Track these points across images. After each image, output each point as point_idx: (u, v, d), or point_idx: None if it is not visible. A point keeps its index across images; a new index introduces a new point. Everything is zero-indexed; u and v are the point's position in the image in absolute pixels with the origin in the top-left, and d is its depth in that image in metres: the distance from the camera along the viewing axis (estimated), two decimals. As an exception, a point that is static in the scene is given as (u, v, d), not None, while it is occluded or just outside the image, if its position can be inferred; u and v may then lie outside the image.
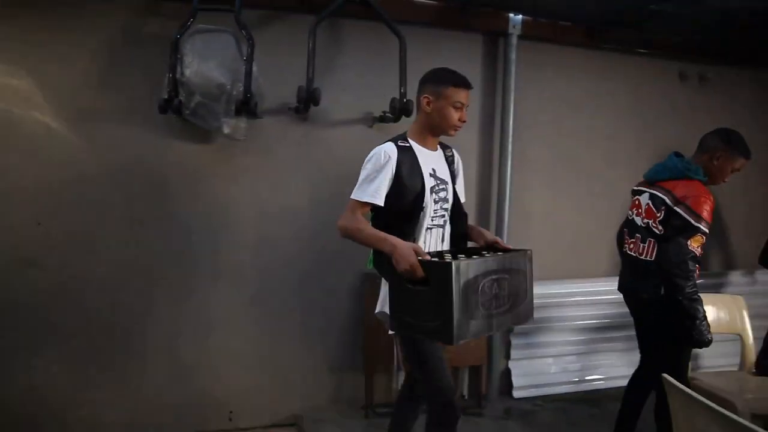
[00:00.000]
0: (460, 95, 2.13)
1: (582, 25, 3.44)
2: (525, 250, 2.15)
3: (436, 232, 2.22)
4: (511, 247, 2.21)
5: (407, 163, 2.11)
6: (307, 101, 2.83)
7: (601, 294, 3.69)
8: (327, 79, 3.05)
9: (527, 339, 3.64)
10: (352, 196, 2.10)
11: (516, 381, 3.60)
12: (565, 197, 3.73)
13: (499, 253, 2.10)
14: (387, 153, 2.09)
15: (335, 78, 3.13)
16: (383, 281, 2.24)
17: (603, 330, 3.77)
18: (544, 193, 3.69)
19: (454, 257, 1.95)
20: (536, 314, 3.52)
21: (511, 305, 2.03)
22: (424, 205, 2.12)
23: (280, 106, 3.03)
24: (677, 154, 2.66)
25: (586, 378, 3.75)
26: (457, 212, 2.31)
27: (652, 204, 2.60)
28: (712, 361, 3.64)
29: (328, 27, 3.07)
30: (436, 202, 2.19)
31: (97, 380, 2.91)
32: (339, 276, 3.27)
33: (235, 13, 2.71)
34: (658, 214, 2.56)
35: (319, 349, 3.30)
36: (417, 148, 2.18)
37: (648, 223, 2.62)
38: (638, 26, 3.41)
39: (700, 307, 2.43)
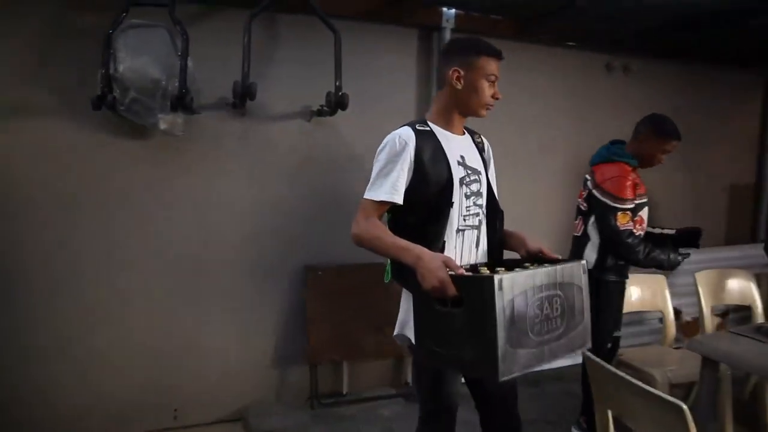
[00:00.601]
0: (493, 66, 1.83)
1: (512, 18, 3.54)
2: (579, 261, 1.74)
3: (470, 236, 1.85)
4: (559, 256, 1.79)
5: (429, 149, 1.76)
6: (243, 96, 2.83)
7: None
8: (264, 73, 3.05)
9: (468, 324, 3.75)
10: (365, 196, 1.75)
11: (458, 365, 3.71)
12: (500, 185, 3.84)
13: (547, 265, 1.65)
14: (402, 139, 1.74)
15: (272, 72, 3.14)
16: (404, 296, 1.88)
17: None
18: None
19: (493, 271, 1.56)
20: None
21: (565, 329, 1.64)
22: (452, 199, 1.76)
23: (217, 101, 3.03)
24: (613, 142, 2.85)
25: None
26: (492, 210, 1.93)
27: (583, 185, 2.86)
28: (639, 339, 3.86)
29: (264, 21, 3.06)
30: (467, 196, 1.83)
31: (39, 381, 2.84)
32: (281, 269, 3.29)
33: (168, 7, 2.68)
34: (584, 193, 2.84)
35: (262, 343, 3.31)
36: (440, 131, 1.83)
37: (579, 202, 2.87)
38: (564, 19, 3.54)
39: (657, 256, 2.68)
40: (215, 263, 3.14)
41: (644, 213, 2.76)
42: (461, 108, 1.86)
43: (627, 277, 2.86)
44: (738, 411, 3.05)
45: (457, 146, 1.85)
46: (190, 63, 2.67)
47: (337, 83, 2.93)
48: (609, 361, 2.78)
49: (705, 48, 4.16)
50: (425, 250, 1.58)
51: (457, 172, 1.79)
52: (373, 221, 1.71)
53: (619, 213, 2.61)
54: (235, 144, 3.14)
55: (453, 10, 3.36)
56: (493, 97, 1.85)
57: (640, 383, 1.65)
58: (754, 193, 4.92)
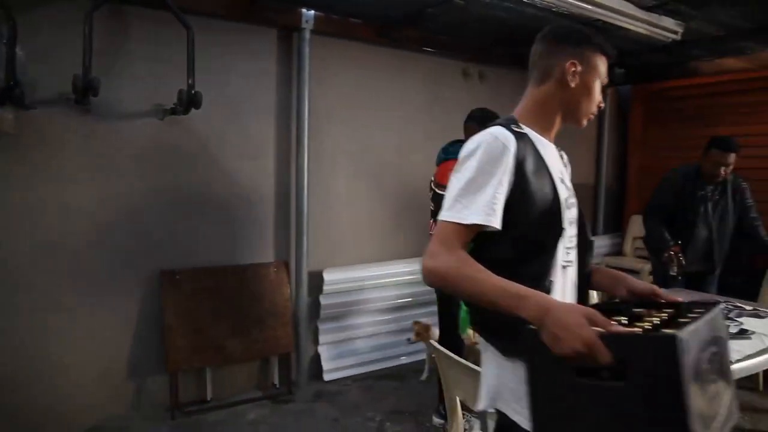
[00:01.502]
0: (605, 68, 1.46)
1: (371, 23, 3.64)
2: (716, 302, 1.28)
3: (571, 274, 1.44)
4: (679, 299, 1.35)
5: (531, 158, 1.34)
6: (85, 91, 2.65)
7: (402, 275, 3.99)
8: (111, 68, 2.90)
9: (335, 323, 3.80)
10: (445, 218, 1.28)
11: (325, 365, 3.74)
12: (364, 185, 3.95)
13: (697, 311, 1.23)
14: (500, 141, 1.31)
15: (121, 68, 2.98)
16: (490, 356, 1.40)
17: (406, 308, 4.06)
18: (344, 181, 3.86)
19: (631, 321, 1.21)
20: (342, 298, 3.79)
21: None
22: (563, 226, 1.36)
23: (57, 96, 2.81)
24: (452, 142, 3.02)
25: (392, 355, 4.01)
26: (582, 241, 1.48)
27: (429, 187, 3.00)
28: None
29: (111, 13, 2.90)
30: (570, 223, 1.42)
31: None
32: (134, 275, 3.13)
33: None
34: (430, 193, 2.99)
35: (115, 352, 3.12)
36: (536, 137, 1.41)
37: (430, 203, 3.01)
38: (419, 27, 3.70)
39: None
40: (59, 271, 2.92)
41: None
42: (567, 111, 1.47)
43: None
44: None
45: (553, 158, 1.45)
46: (20, 52, 2.46)
47: (190, 81, 2.85)
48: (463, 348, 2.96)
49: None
50: (552, 299, 1.20)
51: (562, 192, 1.38)
52: (460, 254, 1.24)
53: None
54: (79, 143, 2.93)
55: (312, 12, 3.38)
56: (599, 105, 1.48)
57: (475, 366, 1.77)
58: (593, 192, 5.45)
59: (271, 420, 3.21)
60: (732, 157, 3.12)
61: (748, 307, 2.72)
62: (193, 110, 2.92)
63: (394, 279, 3.99)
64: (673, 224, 3.27)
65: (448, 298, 2.97)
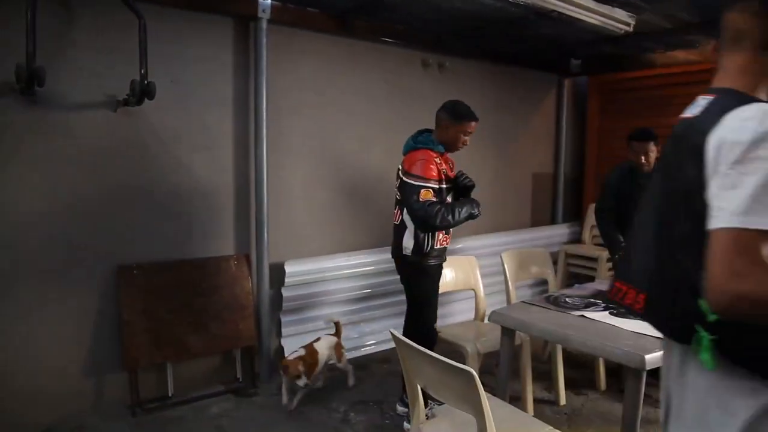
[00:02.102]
0: None
1: (329, 12, 3.62)
2: None
3: None
4: None
5: None
6: (29, 81, 2.55)
7: (365, 266, 4.00)
8: (58, 57, 2.81)
9: (298, 315, 3.78)
10: (740, 224, 1.02)
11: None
12: (325, 176, 3.93)
13: None
14: None
15: (69, 57, 2.88)
16: (733, 392, 1.17)
17: (370, 299, 4.07)
18: (304, 172, 3.83)
19: None
20: (305, 290, 3.76)
21: None
22: None
23: (0, 86, 2.70)
24: (420, 131, 3.03)
25: (357, 345, 4.02)
26: None
27: (396, 176, 3.00)
28: (458, 317, 4.19)
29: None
30: None
31: None
32: (88, 272, 3.04)
33: None
34: (397, 182, 2.98)
35: (73, 350, 3.04)
36: None
37: (395, 192, 3.01)
38: (377, 16, 3.69)
39: (451, 217, 2.79)
40: (8, 270, 2.81)
41: (450, 197, 2.98)
42: None
43: (445, 260, 3.07)
44: (539, 370, 3.47)
45: None
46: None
47: (143, 71, 2.78)
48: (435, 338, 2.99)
49: (507, 51, 4.60)
50: None
51: None
52: None
53: (422, 190, 2.77)
54: (27, 136, 2.82)
55: (269, 1, 3.33)
56: None
57: (435, 354, 1.79)
58: (552, 182, 5.56)
59: (235, 414, 3.19)
60: (649, 146, 3.31)
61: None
62: (146, 101, 2.85)
63: (357, 270, 3.98)
64: (623, 222, 3.38)
65: (420, 292, 2.99)
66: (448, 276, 3.38)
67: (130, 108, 2.99)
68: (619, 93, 5.37)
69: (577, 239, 5.51)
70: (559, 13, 3.33)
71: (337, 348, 3.43)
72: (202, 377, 3.47)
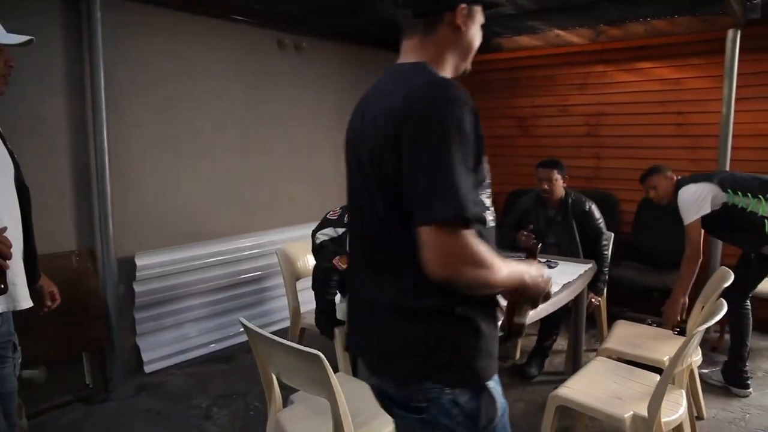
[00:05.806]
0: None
1: (173, -15, 3.39)
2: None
3: None
4: None
5: None
6: None
7: (225, 254, 3.85)
8: None
9: (154, 311, 3.56)
10: None
11: (146, 356, 3.50)
12: (178, 161, 3.70)
13: None
14: None
15: None
16: None
17: (232, 288, 3.93)
18: (154, 157, 3.58)
19: None
20: (160, 283, 3.54)
21: None
22: None
23: None
24: None
25: (221, 337, 3.88)
26: None
27: None
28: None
29: None
30: None
31: None
32: None
33: None
34: None
35: None
36: None
37: None
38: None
39: None
40: None
41: None
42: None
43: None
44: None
45: None
46: None
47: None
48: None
49: (365, 31, 4.59)
50: None
51: None
52: None
53: None
54: None
55: (100, -30, 3.04)
56: None
57: (281, 339, 1.76)
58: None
59: (85, 423, 2.95)
60: (547, 172, 3.40)
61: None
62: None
63: (216, 259, 3.82)
64: None
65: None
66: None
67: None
68: (474, 75, 5.55)
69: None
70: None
71: None
72: (47, 388, 3.15)
